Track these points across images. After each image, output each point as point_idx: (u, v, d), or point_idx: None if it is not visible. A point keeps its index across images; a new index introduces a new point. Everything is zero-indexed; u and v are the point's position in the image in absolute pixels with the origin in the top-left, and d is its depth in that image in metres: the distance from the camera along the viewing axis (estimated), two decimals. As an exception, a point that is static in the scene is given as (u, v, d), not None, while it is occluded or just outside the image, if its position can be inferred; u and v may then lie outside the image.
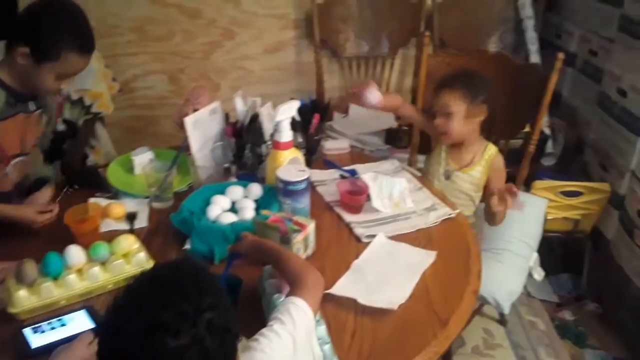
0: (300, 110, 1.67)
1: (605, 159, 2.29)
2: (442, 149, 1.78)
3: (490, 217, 1.67)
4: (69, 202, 1.47)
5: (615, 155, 2.20)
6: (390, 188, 1.55)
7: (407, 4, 2.82)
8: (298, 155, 1.55)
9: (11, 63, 1.41)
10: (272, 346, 0.89)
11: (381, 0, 2.83)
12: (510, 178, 1.83)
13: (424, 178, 1.76)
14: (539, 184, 2.23)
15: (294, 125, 1.58)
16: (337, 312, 1.16)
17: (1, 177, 1.50)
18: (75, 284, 1.21)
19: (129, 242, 1.31)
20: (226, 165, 1.66)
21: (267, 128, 1.66)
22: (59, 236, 1.35)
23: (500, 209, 1.59)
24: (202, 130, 1.64)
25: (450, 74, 1.71)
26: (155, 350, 0.70)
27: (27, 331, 1.11)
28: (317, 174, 1.69)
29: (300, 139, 1.71)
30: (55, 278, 1.20)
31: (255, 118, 1.67)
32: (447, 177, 1.76)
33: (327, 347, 1.04)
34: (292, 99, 1.71)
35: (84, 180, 1.67)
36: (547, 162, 2.68)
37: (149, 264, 1.28)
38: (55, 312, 1.18)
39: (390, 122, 2.63)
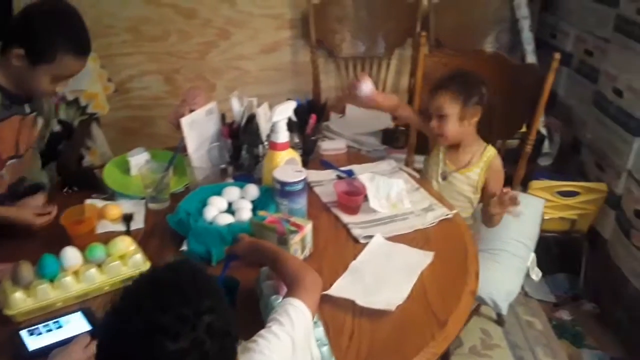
0: (297, 111, 1.67)
1: (601, 159, 2.29)
2: (440, 150, 1.78)
3: (488, 219, 1.67)
4: (65, 203, 1.46)
5: (612, 155, 2.21)
6: (388, 189, 1.55)
7: (403, 4, 2.82)
8: (295, 155, 1.55)
9: (6, 65, 1.40)
10: (271, 347, 0.89)
11: (377, 1, 2.82)
12: (508, 178, 1.83)
13: (421, 178, 1.76)
14: (535, 184, 2.23)
15: (291, 125, 1.57)
16: (334, 313, 1.16)
17: None
18: (71, 286, 1.20)
19: (126, 244, 1.30)
20: (223, 166, 1.66)
21: (264, 129, 1.66)
22: (55, 238, 1.35)
23: (497, 212, 1.60)
24: (198, 131, 1.64)
25: (444, 75, 1.71)
26: (154, 353, 0.70)
27: (24, 333, 1.11)
28: (314, 175, 1.69)
29: (296, 140, 1.70)
30: (51, 280, 1.20)
31: (251, 119, 1.67)
32: (444, 178, 1.76)
33: (325, 349, 1.04)
34: (288, 99, 1.70)
35: (80, 182, 1.66)
36: (544, 162, 2.68)
37: (146, 266, 1.27)
38: (51, 314, 1.17)
39: (387, 122, 2.63)
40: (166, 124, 1.74)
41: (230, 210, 1.46)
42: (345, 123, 2.65)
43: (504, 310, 1.75)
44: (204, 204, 1.46)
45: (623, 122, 2.12)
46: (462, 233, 1.47)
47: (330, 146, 1.91)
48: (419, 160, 2.09)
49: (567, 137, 2.64)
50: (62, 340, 1.08)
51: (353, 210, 1.52)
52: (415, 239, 1.43)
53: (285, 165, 1.48)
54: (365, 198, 1.52)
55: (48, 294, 1.18)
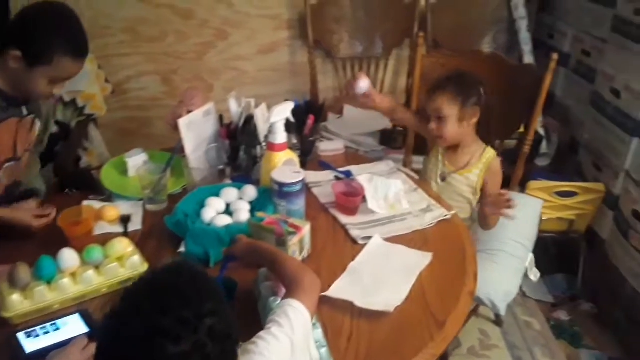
0: (295, 112, 1.66)
1: (599, 159, 2.30)
2: (438, 151, 1.78)
3: (483, 220, 1.67)
4: (63, 204, 1.46)
5: (609, 155, 2.21)
6: (386, 189, 1.55)
7: (401, 5, 2.82)
8: (293, 156, 1.55)
9: (3, 67, 1.39)
10: (270, 349, 0.88)
11: (375, 1, 2.82)
12: (506, 179, 1.83)
13: (420, 179, 1.76)
14: (533, 184, 2.24)
15: (289, 126, 1.57)
16: (333, 314, 1.15)
17: None
18: (68, 288, 1.20)
19: (123, 245, 1.30)
20: (221, 167, 1.65)
21: (262, 129, 1.65)
22: (52, 239, 1.34)
23: (490, 212, 1.60)
24: (196, 131, 1.63)
25: (442, 77, 1.71)
26: (155, 356, 0.70)
27: (21, 336, 1.10)
28: (312, 176, 1.69)
29: (294, 141, 1.70)
30: (48, 282, 1.19)
31: (249, 119, 1.66)
32: (444, 179, 1.76)
33: (324, 350, 1.03)
34: (286, 100, 1.70)
35: (77, 183, 1.65)
36: (541, 162, 2.68)
37: (143, 267, 1.27)
38: (48, 316, 1.16)
39: (384, 122, 2.63)
40: (164, 124, 1.74)
41: (228, 211, 1.46)
42: (343, 124, 2.65)
43: (503, 311, 1.74)
44: (201, 205, 1.46)
45: (620, 122, 2.12)
46: (461, 234, 1.47)
47: (328, 147, 1.91)
48: (417, 160, 2.08)
49: (564, 138, 2.65)
50: (60, 342, 1.07)
51: (351, 211, 1.52)
52: (414, 239, 1.42)
53: (284, 166, 1.48)
54: (364, 199, 1.52)
55: (45, 296, 1.17)
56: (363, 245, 1.38)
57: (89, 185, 1.63)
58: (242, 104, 1.71)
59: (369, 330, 1.13)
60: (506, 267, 1.78)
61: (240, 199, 1.50)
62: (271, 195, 1.43)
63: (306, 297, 0.98)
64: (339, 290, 1.21)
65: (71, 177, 1.70)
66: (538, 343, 2.15)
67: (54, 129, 1.82)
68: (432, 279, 1.28)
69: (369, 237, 1.40)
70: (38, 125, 1.60)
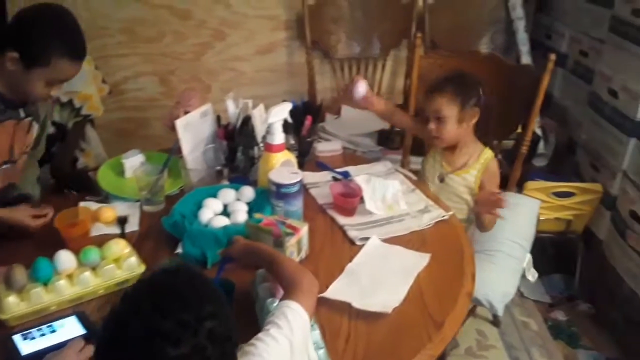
0: (293, 112, 1.67)
1: (596, 160, 2.30)
2: (436, 151, 1.78)
3: (480, 222, 1.67)
4: (59, 206, 1.45)
5: (607, 156, 2.21)
6: (384, 190, 1.55)
7: (398, 5, 2.82)
8: (290, 157, 1.55)
9: (0, 69, 1.39)
10: (269, 350, 0.88)
11: (372, 2, 2.82)
12: (503, 179, 1.83)
13: (417, 180, 1.76)
14: (531, 184, 2.24)
15: (286, 127, 1.57)
16: (331, 316, 1.15)
17: None
18: (65, 290, 1.19)
19: (120, 247, 1.29)
20: (218, 168, 1.65)
21: (259, 130, 1.65)
22: (48, 241, 1.33)
23: (481, 211, 1.60)
24: (193, 132, 1.63)
25: (441, 77, 1.71)
26: (155, 359, 0.69)
27: (17, 338, 1.10)
28: (310, 176, 1.69)
29: (292, 141, 1.70)
30: (45, 283, 1.19)
31: (247, 120, 1.66)
32: (441, 180, 1.76)
33: (322, 352, 1.03)
34: (284, 100, 1.70)
35: (74, 184, 1.65)
36: (539, 162, 2.68)
37: (140, 269, 1.27)
38: (45, 318, 1.16)
39: (382, 123, 2.62)
40: (161, 125, 1.73)
41: (225, 212, 1.46)
42: (341, 124, 2.65)
43: (500, 312, 1.74)
44: (199, 206, 1.46)
45: (618, 122, 2.13)
46: (459, 234, 1.47)
47: (326, 148, 1.90)
48: (414, 161, 2.09)
49: (562, 138, 2.65)
50: (56, 344, 1.07)
51: (349, 212, 1.52)
52: (412, 240, 1.42)
53: (281, 167, 1.48)
54: (361, 200, 1.52)
55: (42, 297, 1.17)
56: (361, 246, 1.38)
57: (85, 186, 1.62)
58: (239, 104, 1.71)
59: (367, 331, 1.13)
60: (504, 267, 1.79)
61: (238, 200, 1.50)
62: (269, 196, 1.43)
63: (304, 299, 0.98)
64: (336, 291, 1.21)
65: (68, 178, 1.69)
66: (535, 343, 2.15)
67: (50, 129, 1.81)
68: (430, 280, 1.28)
69: (367, 238, 1.40)
70: (36, 127, 1.59)
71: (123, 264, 1.26)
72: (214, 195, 1.49)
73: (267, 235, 1.28)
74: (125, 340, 0.71)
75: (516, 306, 2.30)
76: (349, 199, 1.52)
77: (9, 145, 1.49)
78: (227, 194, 1.50)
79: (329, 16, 2.81)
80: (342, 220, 1.49)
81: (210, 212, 1.43)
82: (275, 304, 1.05)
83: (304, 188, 1.48)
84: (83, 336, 1.07)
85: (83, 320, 1.14)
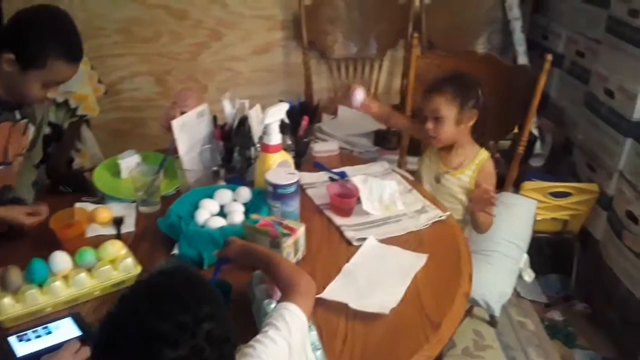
0: (289, 113, 1.66)
1: (593, 160, 2.30)
2: (432, 152, 1.78)
3: (474, 222, 1.67)
4: (55, 206, 1.44)
5: (603, 156, 2.22)
6: (381, 190, 1.55)
7: (395, 6, 2.82)
8: (287, 158, 1.54)
9: None
10: (268, 352, 0.88)
11: (369, 2, 2.82)
12: (500, 179, 1.83)
13: (414, 180, 1.76)
14: (528, 185, 2.24)
15: (283, 127, 1.56)
16: (328, 317, 1.15)
17: None
18: (61, 291, 1.18)
19: (116, 248, 1.29)
20: (214, 168, 1.64)
21: (256, 131, 1.65)
22: (44, 242, 1.33)
23: (474, 209, 1.60)
24: (189, 133, 1.62)
25: (441, 77, 1.71)
26: None
27: (12, 339, 1.09)
28: (307, 177, 1.68)
29: (289, 142, 1.69)
30: (40, 285, 1.18)
31: (243, 121, 1.66)
32: (437, 180, 1.76)
33: (319, 353, 1.03)
34: (280, 100, 1.70)
35: (70, 184, 1.64)
36: (535, 162, 2.69)
37: (137, 270, 1.26)
38: (40, 319, 1.15)
39: (378, 123, 2.62)
40: (157, 125, 1.73)
41: (222, 213, 1.45)
42: (338, 124, 2.65)
43: (497, 312, 1.75)
44: (195, 207, 1.45)
45: (614, 123, 2.13)
46: (456, 235, 1.46)
47: (322, 148, 1.90)
48: (411, 161, 2.09)
49: (558, 138, 2.65)
50: (52, 346, 1.07)
51: (346, 212, 1.52)
52: (409, 241, 1.42)
53: (278, 167, 1.47)
54: (358, 200, 1.52)
55: (37, 299, 1.16)
56: (358, 247, 1.38)
57: (81, 186, 1.62)
58: (236, 104, 1.71)
59: (364, 332, 1.12)
60: (500, 268, 1.79)
61: (234, 200, 1.49)
62: (265, 196, 1.43)
63: (302, 301, 0.98)
64: (333, 292, 1.21)
65: (64, 179, 1.69)
66: (532, 343, 2.16)
67: (46, 130, 1.80)
68: (427, 280, 1.28)
69: (364, 239, 1.40)
70: (32, 129, 1.59)
71: (119, 265, 1.25)
72: (211, 196, 1.49)
73: (263, 236, 1.28)
74: (122, 343, 0.70)
75: (513, 306, 2.31)
76: (346, 200, 1.52)
77: (3, 146, 1.48)
78: (224, 195, 1.50)
79: (325, 16, 2.80)
80: (339, 220, 1.49)
81: (207, 213, 1.43)
82: (272, 306, 1.05)
83: (300, 188, 1.48)
84: (79, 338, 1.06)
85: (79, 321, 1.13)
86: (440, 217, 1.51)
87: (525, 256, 1.89)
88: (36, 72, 1.37)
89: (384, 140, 2.64)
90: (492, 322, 2.22)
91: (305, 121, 1.74)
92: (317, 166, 1.78)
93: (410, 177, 1.76)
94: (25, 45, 1.35)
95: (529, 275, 1.93)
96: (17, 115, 1.50)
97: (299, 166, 1.67)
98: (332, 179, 1.69)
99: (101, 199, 1.57)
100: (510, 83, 1.94)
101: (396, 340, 1.12)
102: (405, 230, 1.46)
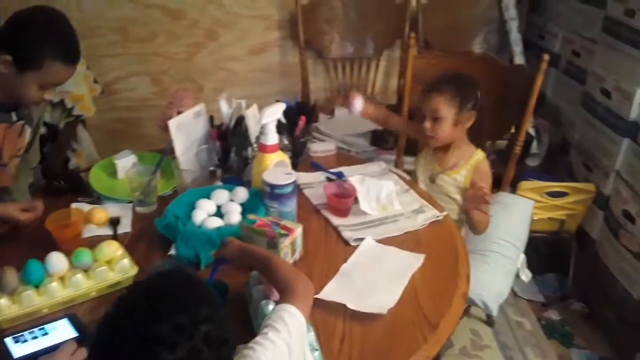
0: (286, 113, 1.66)
1: (589, 160, 2.30)
2: (428, 152, 1.78)
3: (470, 222, 1.67)
4: (51, 207, 1.44)
5: (600, 156, 2.22)
6: (378, 190, 1.54)
7: (392, 6, 2.82)
8: (284, 158, 1.54)
9: None
10: (268, 354, 0.87)
11: (366, 2, 2.82)
12: (497, 179, 1.83)
13: (411, 180, 1.76)
14: (524, 184, 2.24)
15: (280, 127, 1.56)
16: (325, 317, 1.15)
17: None
18: (57, 292, 1.18)
19: (113, 248, 1.28)
20: (211, 168, 1.64)
21: (253, 131, 1.64)
22: (40, 243, 1.32)
23: (468, 207, 1.61)
24: (186, 133, 1.62)
25: (440, 76, 1.70)
26: None
27: (9, 341, 1.08)
28: (304, 177, 1.68)
29: (286, 142, 1.69)
30: (36, 286, 1.17)
31: (240, 120, 1.65)
32: (432, 180, 1.76)
33: (317, 354, 1.03)
34: (277, 100, 1.69)
35: (65, 182, 1.63)
36: (532, 162, 2.69)
37: (133, 271, 1.26)
38: (37, 320, 1.15)
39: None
40: (153, 125, 1.72)
41: (219, 213, 1.45)
42: (334, 124, 2.64)
43: (494, 312, 1.75)
44: (192, 207, 1.45)
45: (611, 122, 2.13)
46: (453, 235, 1.46)
47: (319, 148, 1.90)
48: (408, 161, 2.09)
49: (555, 138, 2.65)
50: (48, 347, 1.06)
51: (343, 212, 1.51)
52: (406, 241, 1.42)
53: (275, 167, 1.47)
54: (356, 200, 1.51)
55: (33, 300, 1.15)
56: (355, 247, 1.38)
57: (77, 187, 1.61)
58: (233, 104, 1.70)
59: (362, 332, 1.12)
60: (498, 267, 1.78)
61: (231, 200, 1.49)
62: (262, 197, 1.42)
63: (301, 302, 0.97)
64: (331, 292, 1.21)
65: (59, 178, 1.68)
66: (529, 343, 2.16)
67: (42, 130, 1.80)
68: (424, 280, 1.27)
69: (361, 239, 1.40)
70: (28, 131, 1.58)
71: (115, 266, 1.24)
72: (208, 196, 1.48)
73: (261, 237, 1.27)
74: (120, 345, 0.70)
75: (510, 306, 2.31)
76: (343, 200, 1.52)
77: None
78: (221, 195, 1.49)
79: (322, 16, 2.80)
80: (336, 220, 1.49)
81: (204, 213, 1.42)
82: (269, 306, 1.04)
83: (297, 189, 1.47)
84: (75, 339, 1.06)
85: (75, 322, 1.13)
86: (438, 217, 1.51)
87: (522, 256, 1.89)
88: (33, 74, 1.37)
89: (380, 140, 2.64)
90: (489, 321, 2.22)
91: (302, 121, 1.73)
92: (314, 166, 1.78)
93: (407, 177, 1.76)
94: (22, 47, 1.35)
95: (526, 275, 1.93)
96: (13, 117, 1.49)
97: (296, 166, 1.67)
98: (329, 179, 1.69)
99: (97, 199, 1.57)
100: (506, 83, 1.94)
101: (394, 340, 1.11)
102: (402, 230, 1.46)
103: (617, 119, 2.09)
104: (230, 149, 1.65)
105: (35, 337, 1.10)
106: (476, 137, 1.75)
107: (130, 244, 1.38)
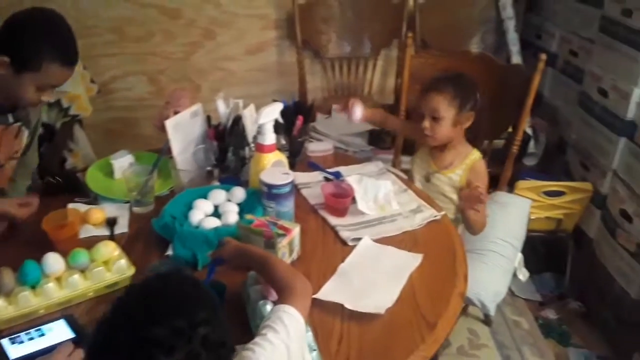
0: (284, 112, 1.65)
1: (586, 159, 2.31)
2: (424, 151, 1.78)
3: (466, 221, 1.67)
4: (48, 207, 1.43)
5: (597, 155, 2.22)
6: (375, 190, 1.54)
7: (389, 5, 2.82)
8: (282, 158, 1.54)
9: None
10: (267, 355, 0.87)
11: (363, 1, 2.83)
12: (494, 179, 1.83)
13: (409, 180, 1.76)
14: (521, 184, 2.24)
15: (277, 127, 1.56)
16: (323, 317, 1.14)
17: None
18: (54, 293, 1.17)
19: (109, 249, 1.27)
20: (208, 168, 1.63)
21: (250, 130, 1.64)
22: (36, 243, 1.32)
23: (464, 206, 1.61)
24: (183, 133, 1.62)
25: (440, 76, 1.70)
26: None
27: (5, 342, 1.08)
28: (301, 177, 1.68)
29: (283, 142, 1.69)
30: (33, 287, 1.17)
31: (237, 120, 1.65)
32: (427, 179, 1.76)
33: (315, 354, 1.02)
34: (274, 100, 1.69)
35: (62, 185, 1.63)
36: (529, 162, 2.70)
37: (130, 271, 1.25)
38: (33, 321, 1.14)
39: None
40: (150, 125, 1.72)
41: (216, 213, 1.44)
42: (332, 124, 2.64)
43: (492, 311, 1.75)
44: (189, 207, 1.44)
45: (608, 122, 2.13)
46: (451, 235, 1.46)
47: (317, 148, 1.89)
48: (406, 161, 2.08)
49: (552, 137, 2.66)
50: (45, 348, 1.06)
51: (341, 212, 1.51)
52: (404, 240, 1.42)
53: (272, 167, 1.47)
54: (353, 200, 1.51)
55: (30, 301, 1.15)
56: (353, 247, 1.37)
57: (74, 187, 1.60)
58: (230, 104, 1.70)
59: (360, 332, 1.12)
60: (495, 267, 1.79)
61: (229, 200, 1.48)
62: (260, 197, 1.42)
63: (299, 302, 0.97)
64: (328, 292, 1.20)
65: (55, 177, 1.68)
66: (527, 342, 2.16)
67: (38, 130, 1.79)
68: (422, 280, 1.27)
69: (359, 239, 1.39)
70: (26, 133, 1.57)
71: (112, 267, 1.24)
72: (205, 196, 1.48)
73: (258, 237, 1.27)
74: (117, 348, 0.70)
75: (507, 305, 2.31)
76: (341, 200, 1.51)
77: None
78: (218, 195, 1.49)
79: (319, 15, 2.80)
80: (333, 220, 1.48)
81: (201, 213, 1.42)
82: (267, 307, 1.04)
83: (295, 188, 1.47)
84: (72, 340, 1.05)
85: (72, 323, 1.12)
86: (435, 216, 1.51)
87: (519, 255, 1.89)
88: (31, 75, 1.36)
89: (378, 140, 2.65)
90: (486, 321, 2.22)
91: (299, 121, 1.73)
92: (312, 166, 1.78)
93: (405, 177, 1.76)
94: (20, 48, 1.34)
95: (523, 274, 1.93)
96: (10, 119, 1.49)
97: (293, 166, 1.67)
98: (326, 179, 1.69)
99: (94, 199, 1.56)
100: (504, 82, 1.94)
101: (392, 340, 1.11)
102: (400, 230, 1.45)
103: (614, 119, 2.09)
104: (227, 148, 1.65)
105: (31, 338, 1.09)
106: (474, 138, 1.75)
107: (127, 245, 1.37)
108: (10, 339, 1.08)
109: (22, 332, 1.10)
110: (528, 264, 1.94)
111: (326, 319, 1.14)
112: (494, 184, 1.95)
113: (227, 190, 1.51)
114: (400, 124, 1.94)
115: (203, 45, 2.84)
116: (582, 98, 2.33)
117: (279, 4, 2.81)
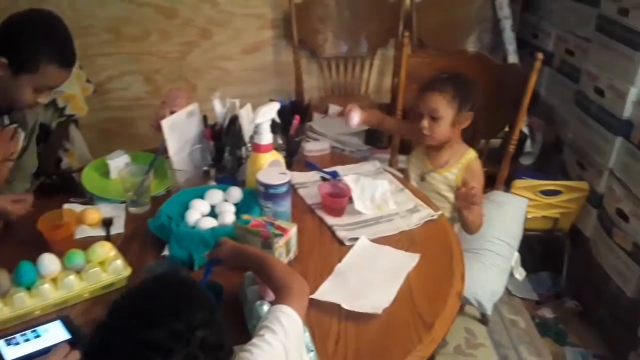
0: (280, 112, 1.65)
1: (583, 158, 2.31)
2: (420, 150, 1.78)
3: (462, 220, 1.67)
4: (43, 208, 1.42)
5: (594, 154, 2.23)
6: (372, 190, 1.54)
7: (386, 4, 2.82)
8: (278, 157, 1.53)
9: None
10: (265, 356, 0.87)
11: (360, 1, 2.82)
12: (491, 178, 1.83)
13: (405, 179, 1.76)
14: (518, 183, 2.24)
15: (274, 127, 1.55)
16: (320, 317, 1.14)
17: None
18: (49, 294, 1.17)
19: (105, 249, 1.27)
20: (205, 168, 1.63)
21: (247, 130, 1.63)
22: (32, 244, 1.31)
23: (460, 205, 1.61)
24: (179, 132, 1.61)
25: (440, 76, 1.70)
26: None
27: (1, 343, 1.07)
28: (298, 176, 1.67)
29: (280, 141, 1.69)
30: (28, 288, 1.16)
31: (234, 120, 1.64)
32: (422, 178, 1.76)
33: (312, 355, 1.02)
34: (271, 100, 1.69)
35: (58, 185, 1.62)
36: (526, 161, 2.70)
37: (126, 272, 1.25)
38: (29, 323, 1.14)
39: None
40: (146, 125, 1.71)
41: (213, 213, 1.44)
42: (328, 123, 2.64)
43: (489, 310, 1.75)
44: (186, 207, 1.44)
45: (604, 121, 2.14)
46: (448, 234, 1.46)
47: (314, 147, 1.89)
48: (402, 160, 2.09)
49: (549, 137, 2.66)
50: (41, 349, 1.05)
51: (338, 212, 1.51)
52: (401, 240, 1.42)
53: (269, 167, 1.46)
54: (350, 200, 1.51)
55: (25, 302, 1.14)
56: (350, 247, 1.37)
57: (70, 187, 1.60)
58: (226, 104, 1.69)
59: (357, 332, 1.12)
60: (492, 266, 1.79)
61: (225, 200, 1.48)
62: (257, 196, 1.41)
63: (296, 303, 0.97)
64: (325, 292, 1.20)
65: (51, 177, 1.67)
66: (523, 341, 2.16)
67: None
68: (419, 280, 1.27)
69: (356, 239, 1.39)
70: (22, 135, 1.56)
71: (108, 267, 1.23)
72: (201, 196, 1.47)
73: (255, 237, 1.27)
74: (114, 351, 0.69)
75: (504, 304, 2.31)
76: (338, 199, 1.51)
77: None
78: (215, 195, 1.48)
79: (316, 15, 2.80)
80: (330, 220, 1.48)
81: (198, 214, 1.42)
82: (264, 307, 1.04)
83: (292, 188, 1.47)
84: (68, 341, 1.04)
85: (68, 324, 1.12)
86: (432, 216, 1.51)
87: (516, 254, 1.90)
88: (28, 77, 1.36)
89: (375, 139, 2.65)
90: (483, 320, 2.22)
91: (296, 120, 1.73)
92: (309, 166, 1.77)
93: (402, 176, 1.76)
94: (17, 50, 1.34)
95: (520, 274, 1.93)
96: (6, 121, 1.48)
97: (290, 166, 1.67)
98: (323, 179, 1.68)
99: (90, 199, 1.56)
100: (500, 82, 1.94)
101: (389, 340, 1.11)
102: (397, 229, 1.45)
103: (610, 118, 2.10)
104: (224, 148, 1.64)
105: (27, 340, 1.08)
106: (471, 138, 1.74)
107: (123, 245, 1.37)
108: (6, 340, 1.08)
109: (18, 333, 1.10)
110: (525, 263, 1.95)
111: (323, 319, 1.14)
112: (490, 183, 1.95)
113: (224, 190, 1.50)
114: (397, 125, 1.94)
115: (199, 44, 2.83)
116: (578, 97, 2.34)
117: (276, 4, 2.81)
